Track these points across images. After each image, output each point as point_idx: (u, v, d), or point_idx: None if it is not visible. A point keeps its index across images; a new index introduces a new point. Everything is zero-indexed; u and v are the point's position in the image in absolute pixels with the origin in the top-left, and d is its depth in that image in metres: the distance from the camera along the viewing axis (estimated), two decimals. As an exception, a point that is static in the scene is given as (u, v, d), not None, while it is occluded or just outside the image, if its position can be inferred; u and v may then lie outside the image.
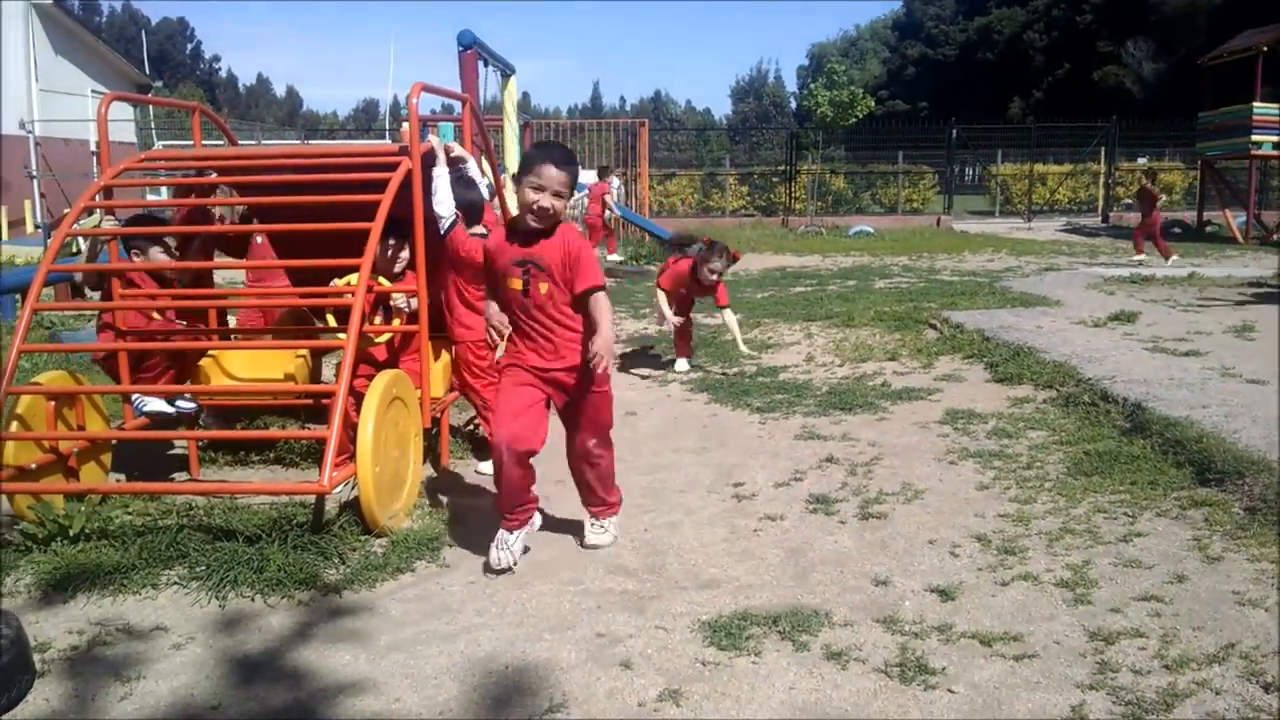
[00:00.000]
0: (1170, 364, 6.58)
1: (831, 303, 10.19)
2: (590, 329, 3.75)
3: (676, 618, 3.40)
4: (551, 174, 3.64)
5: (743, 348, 7.60)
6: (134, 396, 4.98)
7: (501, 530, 3.86)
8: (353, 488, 4.10)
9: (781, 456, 5.31)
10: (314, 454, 5.23)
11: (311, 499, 4.10)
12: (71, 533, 3.98)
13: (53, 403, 4.40)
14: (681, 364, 7.72)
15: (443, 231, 4.83)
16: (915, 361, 7.51)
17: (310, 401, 5.53)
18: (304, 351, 5.64)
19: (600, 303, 3.73)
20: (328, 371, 6.33)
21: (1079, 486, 4.58)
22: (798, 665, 3.06)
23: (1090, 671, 2.97)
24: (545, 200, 3.65)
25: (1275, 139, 17.96)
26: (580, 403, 3.92)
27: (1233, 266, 13.41)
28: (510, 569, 3.82)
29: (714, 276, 7.34)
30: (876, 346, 8.06)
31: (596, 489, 4.11)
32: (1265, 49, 18.23)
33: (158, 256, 5.17)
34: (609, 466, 4.10)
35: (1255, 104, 18.19)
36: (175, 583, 3.70)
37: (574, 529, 4.26)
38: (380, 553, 3.93)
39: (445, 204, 4.79)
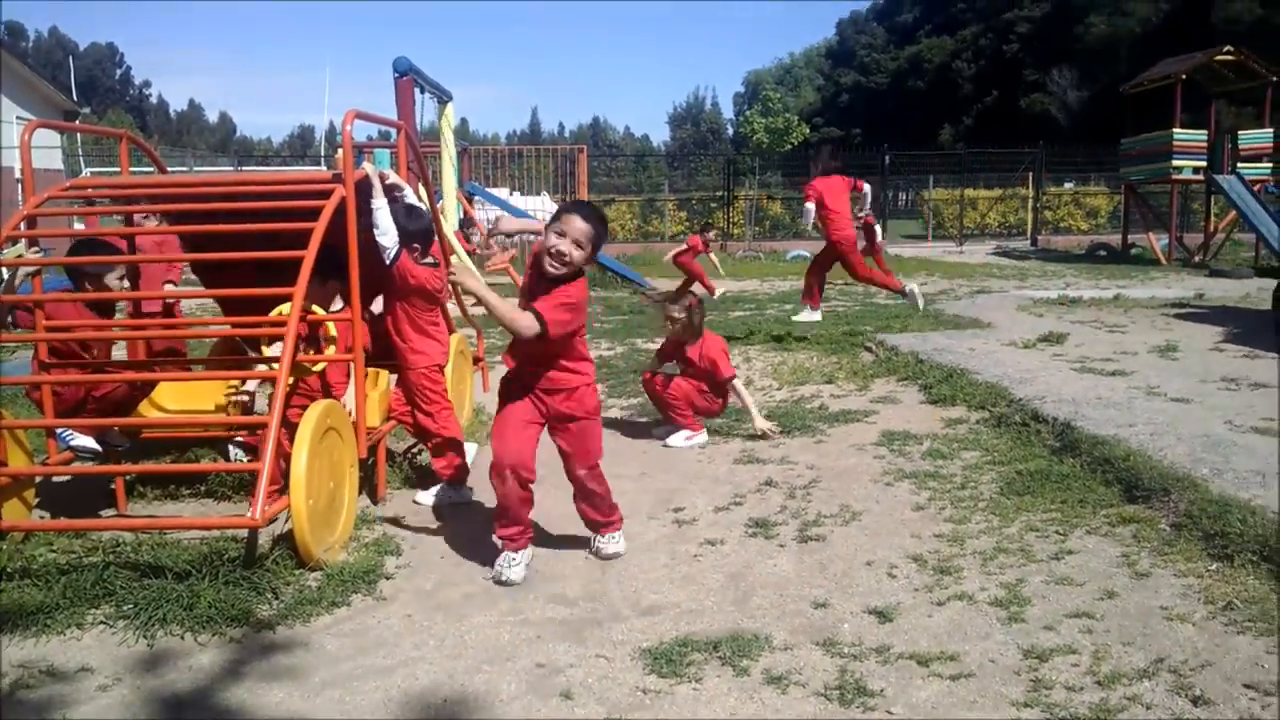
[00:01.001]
0: (1098, 384, 6.74)
1: (769, 326, 10.28)
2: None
3: (617, 646, 3.39)
4: (577, 225, 3.80)
5: (759, 422, 6.20)
6: (61, 430, 4.85)
7: (506, 552, 4.01)
8: (286, 521, 4.02)
9: (721, 481, 5.33)
10: (246, 487, 5.13)
11: (244, 533, 4.01)
12: (-8, 572, 3.85)
13: (-28, 438, 4.26)
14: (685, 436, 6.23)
15: (388, 261, 4.80)
16: (851, 384, 7.60)
17: (243, 434, 5.43)
18: (236, 382, 5.54)
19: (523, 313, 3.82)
20: (261, 402, 6.22)
21: (1011, 506, 4.66)
22: (739, 690, 3.06)
23: (1025, 689, 3.01)
24: (564, 245, 3.79)
25: (1195, 164, 18.52)
26: (571, 433, 4.05)
27: (1157, 288, 13.80)
28: (520, 583, 3.95)
29: (674, 323, 6.29)
30: (814, 369, 8.14)
31: (597, 516, 4.26)
32: (1184, 77, 18.86)
33: (113, 284, 5.05)
34: (606, 494, 4.22)
35: (1175, 130, 18.77)
36: (101, 622, 3.59)
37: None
38: (315, 587, 3.86)
39: (388, 234, 4.78)
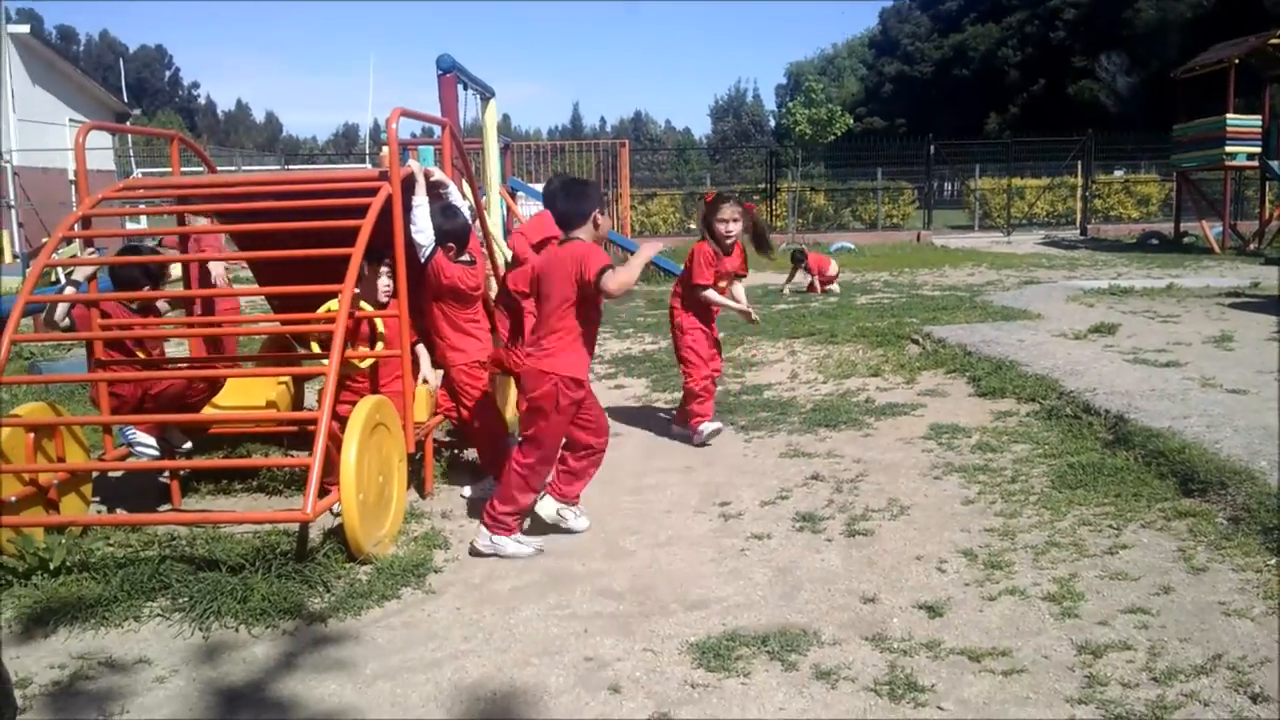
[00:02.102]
0: (1151, 375, 6.62)
1: (814, 319, 10.21)
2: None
3: (665, 640, 3.39)
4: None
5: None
6: (123, 427, 4.95)
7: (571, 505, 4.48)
8: (337, 515, 4.07)
9: (767, 475, 5.31)
10: (297, 482, 5.20)
11: (295, 527, 4.06)
12: (52, 566, 3.93)
13: (32, 434, 4.36)
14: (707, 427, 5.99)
15: (423, 259, 4.83)
16: (898, 377, 7.53)
17: (294, 428, 5.50)
18: (286, 378, 5.61)
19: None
20: (310, 398, 6.30)
21: (1063, 499, 4.59)
22: (787, 685, 3.05)
23: (1079, 685, 2.97)
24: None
25: (1249, 150, 18.11)
26: None
27: (1210, 277, 13.52)
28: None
29: (731, 232, 5.98)
30: (860, 363, 8.08)
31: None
32: (1237, 61, 18.44)
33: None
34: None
35: (1228, 116, 18.36)
36: (158, 614, 3.66)
37: (564, 550, 4.25)
38: (365, 580, 3.90)
39: (425, 232, 4.82)
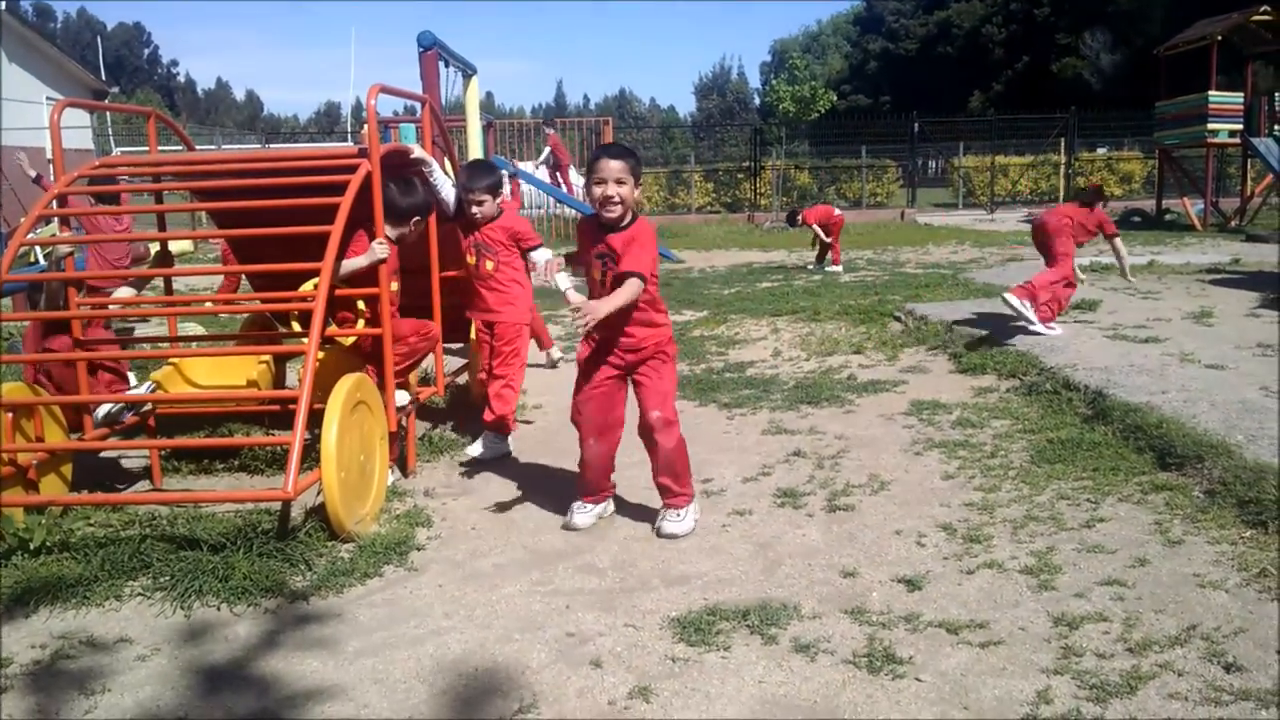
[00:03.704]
0: (1130, 351, 6.67)
1: (798, 297, 10.23)
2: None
3: (646, 615, 3.41)
4: (608, 165, 3.89)
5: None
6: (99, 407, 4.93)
7: (581, 500, 4.27)
8: (318, 493, 4.07)
9: (749, 451, 5.33)
10: (279, 461, 5.19)
11: (277, 506, 4.06)
12: (32, 546, 3.91)
13: (10, 414, 4.34)
14: None
15: (451, 214, 5.21)
16: (880, 354, 7.56)
17: (275, 407, 5.48)
18: (266, 357, 5.59)
19: (627, 285, 3.84)
20: (291, 377, 6.28)
21: (1042, 474, 4.63)
22: (767, 659, 3.07)
23: (1055, 656, 3.00)
24: (609, 189, 3.87)
25: (1231, 127, 18.17)
26: (645, 377, 4.08)
27: (1191, 253, 13.58)
28: (583, 529, 4.22)
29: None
30: (842, 340, 8.11)
31: (667, 475, 4.15)
32: (1219, 38, 18.46)
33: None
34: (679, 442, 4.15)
35: (1210, 93, 18.41)
36: (139, 594, 3.65)
37: (546, 527, 4.26)
38: (347, 558, 3.91)
39: (445, 188, 5.20)
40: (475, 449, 5.22)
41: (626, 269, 3.86)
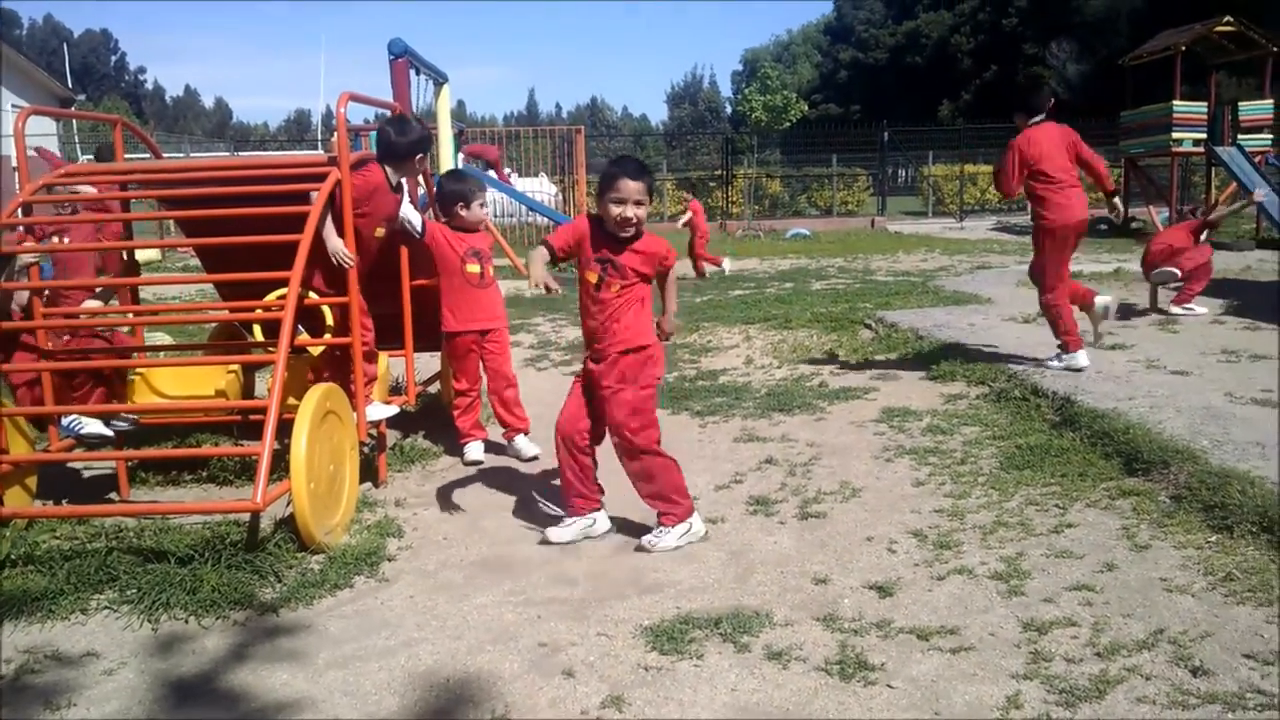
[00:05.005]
0: (1097, 358, 6.73)
1: (769, 305, 10.27)
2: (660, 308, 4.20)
3: (618, 624, 3.40)
4: (629, 186, 3.90)
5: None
6: (67, 419, 4.86)
7: (567, 514, 4.24)
8: (288, 504, 4.04)
9: (721, 459, 5.34)
10: (248, 471, 5.15)
11: (246, 517, 4.02)
12: (-4, 560, 3.86)
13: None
14: None
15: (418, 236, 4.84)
16: (851, 361, 7.59)
17: (241, 418, 5.44)
18: (235, 367, 5.54)
19: (671, 284, 4.22)
20: (260, 387, 6.23)
21: (1011, 480, 4.67)
22: (739, 666, 3.08)
23: (1025, 662, 3.02)
24: (629, 211, 3.90)
25: (1195, 136, 18.41)
26: (620, 384, 4.05)
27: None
28: (560, 543, 4.15)
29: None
30: (814, 347, 8.15)
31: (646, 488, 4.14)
32: (1183, 49, 18.72)
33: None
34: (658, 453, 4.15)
35: (1175, 102, 18.64)
36: (106, 607, 3.61)
37: (518, 537, 4.25)
38: (318, 569, 3.88)
39: (411, 217, 4.81)
40: (531, 449, 4.95)
41: (665, 269, 4.13)
